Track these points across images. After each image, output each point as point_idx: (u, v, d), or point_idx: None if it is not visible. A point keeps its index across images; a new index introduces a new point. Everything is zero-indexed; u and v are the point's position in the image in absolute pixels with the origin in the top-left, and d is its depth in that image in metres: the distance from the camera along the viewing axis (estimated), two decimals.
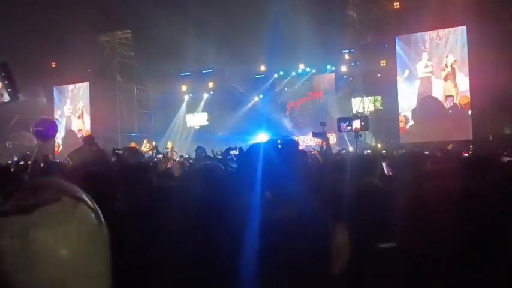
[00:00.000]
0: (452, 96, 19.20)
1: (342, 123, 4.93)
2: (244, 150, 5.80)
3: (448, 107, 19.19)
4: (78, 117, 26.67)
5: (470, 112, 18.62)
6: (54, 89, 27.46)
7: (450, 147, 13.88)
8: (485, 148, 13.69)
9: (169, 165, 8.08)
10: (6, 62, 0.93)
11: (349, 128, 4.75)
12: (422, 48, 19.93)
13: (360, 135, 5.05)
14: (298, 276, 1.35)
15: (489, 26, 16.74)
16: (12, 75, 0.95)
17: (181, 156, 14.69)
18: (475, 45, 17.83)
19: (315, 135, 4.36)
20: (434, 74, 19.63)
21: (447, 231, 1.99)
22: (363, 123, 4.90)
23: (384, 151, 13.19)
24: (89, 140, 8.91)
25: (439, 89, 19.52)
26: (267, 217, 1.39)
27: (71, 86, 27.17)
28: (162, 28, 20.62)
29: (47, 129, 8.56)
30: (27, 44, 20.57)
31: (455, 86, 19.13)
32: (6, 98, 0.94)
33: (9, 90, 0.93)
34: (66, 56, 23.46)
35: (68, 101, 27.34)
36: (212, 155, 9.61)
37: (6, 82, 0.93)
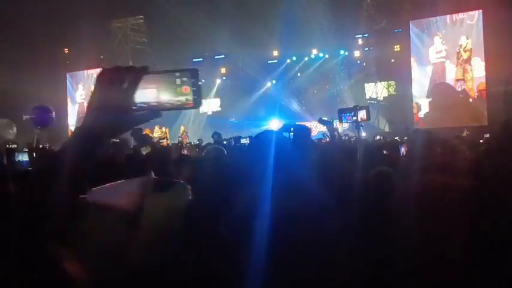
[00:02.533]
0: (462, 79, 18.92)
1: (344, 114, 4.84)
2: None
3: (460, 90, 18.94)
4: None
5: (485, 98, 18.37)
6: (68, 75, 27.63)
7: (464, 134, 13.70)
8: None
9: (185, 152, 8.13)
10: (197, 69, 0.95)
11: (354, 118, 4.66)
12: (437, 32, 19.62)
13: (362, 125, 4.95)
14: (307, 266, 1.35)
15: (506, 10, 16.39)
16: (199, 83, 0.97)
17: (189, 143, 14.74)
18: (491, 30, 17.49)
19: (322, 122, 4.27)
20: (448, 58, 19.34)
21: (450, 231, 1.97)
22: (367, 113, 4.81)
23: (396, 137, 13.06)
24: None
25: (452, 75, 19.26)
26: (277, 206, 1.38)
27: (83, 72, 27.30)
28: (174, 14, 20.54)
29: (39, 117, 8.38)
30: (40, 31, 20.66)
31: (470, 71, 18.84)
32: (190, 103, 0.97)
33: (195, 97, 0.95)
34: (79, 42, 23.54)
35: (80, 87, 27.48)
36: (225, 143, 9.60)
37: (194, 89, 0.96)
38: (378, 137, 13.37)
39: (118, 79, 1.03)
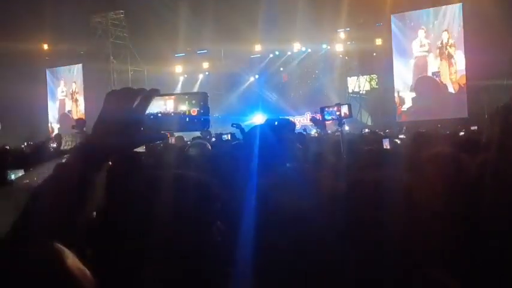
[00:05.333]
0: (441, 72, 19.18)
1: (326, 111, 4.86)
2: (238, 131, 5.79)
3: (442, 83, 19.18)
4: (72, 100, 26.49)
5: (465, 90, 18.62)
6: (47, 71, 27.22)
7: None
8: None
9: (173, 141, 8.10)
10: (206, 93, 1.01)
11: (338, 113, 4.68)
12: (418, 26, 19.79)
13: (344, 123, 4.98)
14: (296, 263, 1.34)
15: (485, 3, 16.62)
16: (208, 105, 1.04)
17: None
18: (472, 23, 17.71)
19: (314, 121, 4.30)
20: (430, 52, 19.54)
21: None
22: (349, 109, 4.83)
23: (387, 130, 13.18)
24: (80, 124, 8.84)
25: (435, 68, 19.47)
26: (264, 202, 1.37)
27: (64, 68, 26.93)
28: (155, 8, 20.35)
29: None
30: (19, 26, 20.30)
31: (452, 64, 19.07)
32: (198, 126, 1.05)
33: (202, 119, 1.02)
34: (59, 37, 23.21)
35: (62, 83, 27.12)
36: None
37: (202, 111, 1.02)
38: (366, 130, 13.43)
39: (127, 100, 1.06)
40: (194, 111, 1.14)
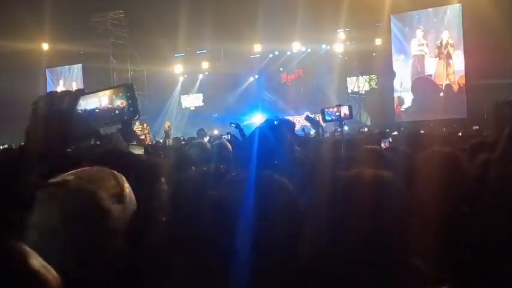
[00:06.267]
0: (439, 73, 19.21)
1: (326, 112, 4.88)
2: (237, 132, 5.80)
3: (441, 83, 19.20)
4: None
5: (465, 91, 18.64)
6: (47, 71, 27.23)
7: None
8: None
9: (170, 142, 8.13)
10: (131, 83, 1.07)
11: (337, 114, 4.71)
12: (417, 26, 19.81)
13: (344, 123, 5.01)
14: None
15: (485, 3, 16.64)
16: (134, 95, 1.10)
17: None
18: (471, 23, 17.73)
19: (309, 119, 4.32)
20: (429, 52, 19.56)
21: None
22: (349, 110, 4.86)
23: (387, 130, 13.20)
24: None
25: (433, 68, 19.48)
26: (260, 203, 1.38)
27: (63, 68, 26.95)
28: (155, 8, 20.35)
29: None
30: (19, 26, 20.29)
31: (451, 64, 19.08)
32: (127, 116, 1.10)
33: (131, 109, 1.07)
34: (58, 37, 23.21)
35: (61, 82, 27.13)
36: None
37: (129, 101, 1.07)
38: (365, 129, 13.47)
39: (55, 103, 1.12)
40: (123, 103, 1.22)
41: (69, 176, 1.33)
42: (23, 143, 1.11)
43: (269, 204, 1.38)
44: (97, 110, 1.19)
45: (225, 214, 1.36)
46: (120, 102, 1.22)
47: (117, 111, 1.21)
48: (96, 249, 1.27)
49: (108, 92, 1.22)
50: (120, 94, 1.22)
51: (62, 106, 1.11)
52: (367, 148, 3.45)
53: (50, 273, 0.85)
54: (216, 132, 13.76)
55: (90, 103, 1.19)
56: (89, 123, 1.19)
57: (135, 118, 1.29)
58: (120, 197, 1.39)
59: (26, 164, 1.09)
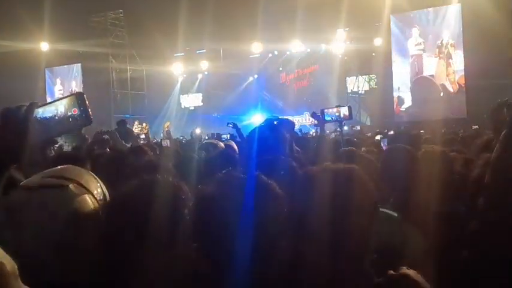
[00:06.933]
0: (439, 73, 19.22)
1: (326, 113, 4.88)
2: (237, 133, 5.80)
3: (441, 83, 19.21)
4: None
5: (464, 90, 18.64)
6: (47, 71, 27.21)
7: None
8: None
9: (168, 143, 8.12)
10: (82, 92, 1.14)
11: (337, 114, 4.72)
12: (416, 25, 19.82)
13: (344, 123, 5.03)
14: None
15: (484, 3, 16.64)
16: (86, 103, 1.16)
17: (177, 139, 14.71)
18: (471, 23, 17.72)
19: (314, 116, 4.31)
20: (426, 51, 19.56)
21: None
22: (349, 111, 4.86)
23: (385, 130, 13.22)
24: None
25: (432, 68, 19.48)
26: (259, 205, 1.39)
27: (63, 68, 26.92)
28: (154, 8, 20.31)
29: None
30: (18, 25, 20.28)
31: (450, 64, 19.09)
32: (81, 123, 1.17)
33: (83, 115, 1.12)
34: (58, 37, 23.18)
35: (59, 82, 27.12)
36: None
37: (81, 109, 1.13)
38: (358, 127, 13.46)
39: (11, 117, 1.20)
40: (75, 111, 1.27)
41: (59, 178, 1.37)
42: None
43: (256, 206, 1.39)
44: (56, 118, 1.25)
45: (211, 211, 1.39)
46: (73, 110, 1.27)
47: (70, 120, 1.26)
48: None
49: (62, 101, 1.28)
50: (72, 103, 1.27)
51: (17, 118, 1.19)
52: (344, 150, 3.51)
53: (5, 256, 0.86)
54: (198, 131, 13.76)
55: (47, 111, 1.25)
56: (46, 133, 1.26)
57: (88, 125, 1.33)
58: (104, 196, 1.46)
59: None
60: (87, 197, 1.37)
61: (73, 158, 2.93)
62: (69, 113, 1.26)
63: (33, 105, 1.22)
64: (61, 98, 1.29)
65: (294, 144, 3.40)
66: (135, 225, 1.28)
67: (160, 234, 1.27)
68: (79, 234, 1.30)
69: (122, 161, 3.23)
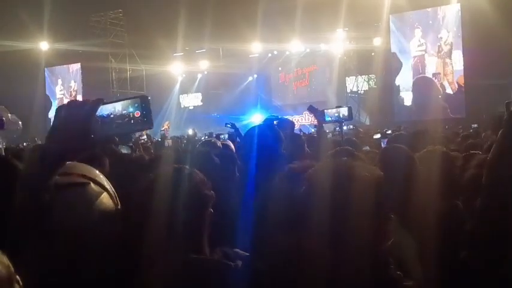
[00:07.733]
0: (442, 73, 19.22)
1: (326, 113, 4.89)
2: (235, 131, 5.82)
3: (440, 83, 19.22)
4: (71, 99, 26.43)
5: (463, 90, 18.66)
6: (46, 70, 27.19)
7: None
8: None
9: (169, 143, 8.15)
10: (147, 95, 1.14)
11: (336, 114, 4.72)
12: (416, 25, 19.82)
13: (344, 124, 5.05)
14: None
15: (484, 3, 16.66)
16: (149, 106, 1.17)
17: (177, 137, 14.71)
18: (470, 23, 17.74)
19: (311, 109, 4.29)
20: (427, 52, 19.57)
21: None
22: (349, 112, 4.87)
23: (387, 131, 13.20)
24: None
25: (433, 68, 19.50)
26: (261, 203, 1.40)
27: (62, 67, 26.91)
28: (154, 7, 20.32)
29: None
30: (18, 25, 20.28)
31: (450, 64, 19.10)
32: (142, 126, 1.18)
33: (145, 119, 1.13)
34: (57, 36, 23.19)
35: (60, 82, 27.10)
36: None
37: (144, 112, 1.14)
38: (351, 127, 13.42)
39: (75, 111, 1.20)
40: (137, 113, 1.26)
41: (78, 176, 1.40)
42: (38, 144, 1.15)
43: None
44: (112, 116, 1.25)
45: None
46: (133, 111, 1.26)
47: (132, 121, 1.26)
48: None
49: (125, 102, 1.28)
50: (136, 105, 1.27)
51: (81, 113, 1.19)
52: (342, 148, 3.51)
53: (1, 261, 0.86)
54: (190, 132, 13.93)
55: (104, 109, 1.25)
56: (106, 130, 1.25)
57: (150, 129, 1.32)
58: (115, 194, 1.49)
59: (46, 164, 1.16)
60: (106, 195, 1.41)
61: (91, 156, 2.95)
62: (131, 115, 1.26)
63: (98, 102, 1.23)
64: (125, 99, 1.29)
65: (305, 146, 3.43)
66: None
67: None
68: (101, 231, 1.33)
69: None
